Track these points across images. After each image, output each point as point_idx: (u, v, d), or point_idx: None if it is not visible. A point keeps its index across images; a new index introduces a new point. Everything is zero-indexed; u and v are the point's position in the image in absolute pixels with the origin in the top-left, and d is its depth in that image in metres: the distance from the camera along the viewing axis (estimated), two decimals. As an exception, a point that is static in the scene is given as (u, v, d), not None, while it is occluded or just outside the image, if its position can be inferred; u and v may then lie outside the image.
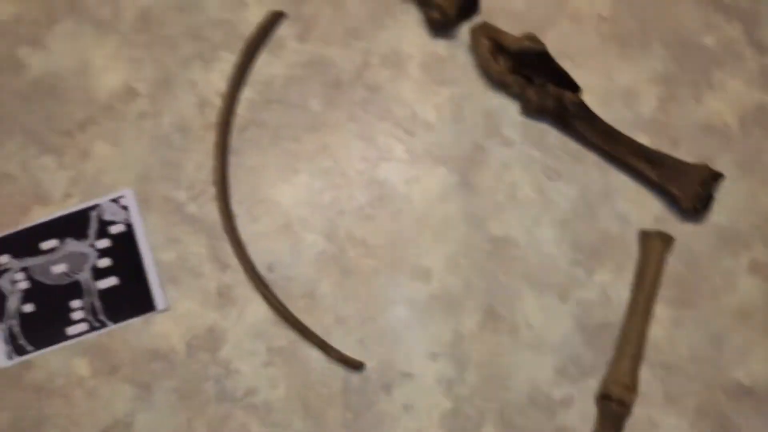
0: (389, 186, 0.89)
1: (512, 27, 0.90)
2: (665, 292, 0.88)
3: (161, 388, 0.87)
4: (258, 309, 0.88)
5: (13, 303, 0.89)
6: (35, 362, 0.88)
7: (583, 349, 0.87)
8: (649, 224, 0.89)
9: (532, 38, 0.79)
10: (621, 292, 0.87)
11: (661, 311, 0.87)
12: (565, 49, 0.91)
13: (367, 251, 0.89)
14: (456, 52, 0.90)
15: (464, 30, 0.90)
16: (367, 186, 0.90)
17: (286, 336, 0.88)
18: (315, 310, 0.88)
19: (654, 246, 0.85)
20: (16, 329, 0.88)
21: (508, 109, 0.89)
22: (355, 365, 0.86)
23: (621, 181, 0.88)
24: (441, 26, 0.86)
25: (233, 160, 0.91)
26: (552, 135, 0.89)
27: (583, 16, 0.90)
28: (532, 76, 0.85)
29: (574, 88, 0.84)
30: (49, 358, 0.88)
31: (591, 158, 0.88)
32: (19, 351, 0.88)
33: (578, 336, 0.87)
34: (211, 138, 0.91)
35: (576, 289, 0.87)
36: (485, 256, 0.88)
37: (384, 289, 0.88)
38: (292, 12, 0.92)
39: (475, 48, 0.85)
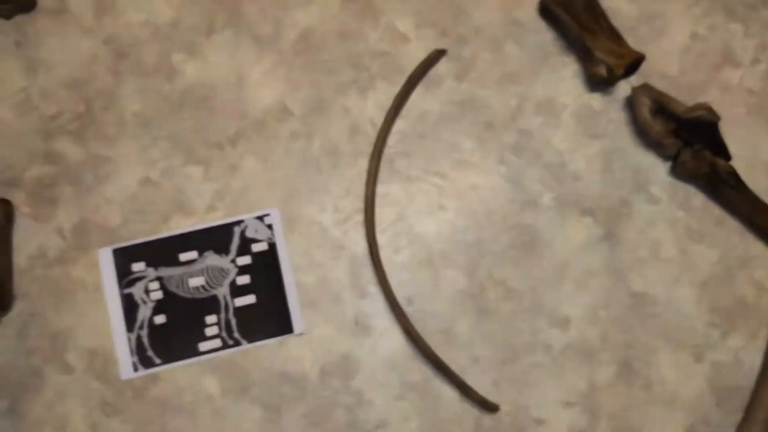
0: (534, 231, 0.90)
1: (665, 89, 0.93)
2: (793, 361, 0.90)
3: (291, 412, 0.85)
4: (394, 341, 0.88)
5: (144, 312, 0.86)
6: (162, 376, 0.86)
7: (714, 410, 0.88)
8: (779, 293, 0.92)
9: (707, 109, 0.82)
10: (754, 357, 0.89)
11: (788, 380, 0.89)
12: (706, 116, 0.95)
13: (506, 293, 0.89)
14: (610, 107, 0.93)
15: (620, 86, 0.93)
16: (512, 229, 0.90)
17: (420, 371, 0.87)
18: (450, 347, 0.88)
19: (791, 315, 0.87)
20: (145, 340, 0.86)
21: (657, 168, 0.92)
22: (491, 407, 0.85)
23: (760, 250, 0.91)
24: (602, 83, 0.88)
25: (380, 189, 0.91)
26: (698, 198, 0.91)
27: (733, 88, 0.94)
28: (691, 140, 0.87)
29: (727, 156, 0.87)
30: (177, 372, 0.86)
31: (733, 224, 0.91)
32: (146, 363, 0.85)
33: (710, 397, 0.88)
34: (360, 165, 0.91)
35: (710, 351, 0.89)
36: (624, 310, 0.89)
37: (521, 333, 0.88)
38: (453, 51, 0.94)
39: (636, 107, 0.88)
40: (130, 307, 0.86)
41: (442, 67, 0.94)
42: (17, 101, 0.91)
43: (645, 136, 0.91)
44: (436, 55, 0.92)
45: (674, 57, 0.95)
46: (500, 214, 0.91)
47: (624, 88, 0.93)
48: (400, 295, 0.89)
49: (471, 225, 0.91)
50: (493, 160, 0.92)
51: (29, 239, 0.88)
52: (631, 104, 0.92)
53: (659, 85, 0.93)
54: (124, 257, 0.87)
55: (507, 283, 0.89)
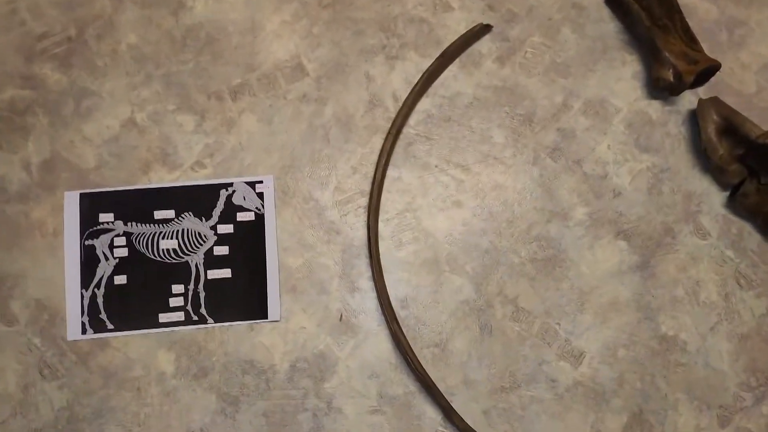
0: (559, 248, 0.78)
1: (738, 108, 0.80)
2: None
3: (250, 407, 0.75)
4: (379, 346, 0.77)
5: (104, 270, 0.76)
6: (112, 343, 0.76)
7: (734, 487, 0.75)
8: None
9: (789, 133, 0.70)
10: (789, 432, 0.76)
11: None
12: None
13: (516, 313, 0.77)
14: (669, 119, 0.80)
15: (685, 97, 0.80)
16: (534, 241, 0.79)
17: (403, 384, 0.76)
18: (442, 363, 0.77)
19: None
20: (100, 301, 0.76)
21: (713, 196, 0.79)
22: (477, 440, 0.74)
23: (818, 309, 0.78)
24: (667, 89, 0.76)
25: (391, 173, 0.80)
26: (753, 239, 0.78)
27: (818, 118, 0.81)
28: (759, 170, 0.74)
29: (799, 195, 0.75)
30: (130, 342, 0.76)
31: (791, 275, 0.78)
32: (98, 327, 0.75)
33: (731, 469, 0.76)
34: (373, 143, 0.80)
35: (739, 416, 0.76)
36: (649, 353, 0.77)
37: (526, 361, 0.76)
38: (499, 29, 0.82)
39: (702, 123, 0.75)
40: (89, 261, 0.76)
41: (484, 45, 0.82)
42: (2, 13, 0.81)
43: (705, 158, 0.78)
44: (481, 30, 0.80)
45: (753, 72, 0.82)
46: (524, 222, 0.79)
47: (690, 99, 0.81)
48: (394, 296, 0.77)
49: (488, 229, 0.79)
50: (525, 159, 0.80)
51: (-7, 168, 0.78)
52: (695, 119, 0.79)
53: (731, 102, 0.80)
54: (91, 205, 0.77)
55: (518, 302, 0.78)
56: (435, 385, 0.75)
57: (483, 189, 0.80)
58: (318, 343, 0.77)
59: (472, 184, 0.80)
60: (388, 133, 0.78)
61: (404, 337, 0.75)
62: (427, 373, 0.75)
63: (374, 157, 0.80)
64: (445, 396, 0.75)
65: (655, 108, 0.81)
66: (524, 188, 0.80)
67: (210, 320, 0.76)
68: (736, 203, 0.77)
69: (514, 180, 0.80)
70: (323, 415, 0.75)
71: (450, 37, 0.81)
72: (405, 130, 0.81)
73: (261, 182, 0.78)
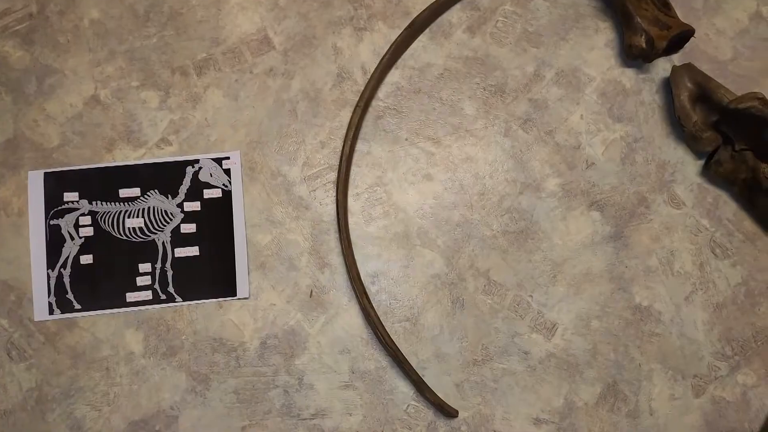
0: (531, 219, 0.77)
1: (712, 75, 0.78)
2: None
3: (220, 385, 0.74)
4: (350, 321, 0.76)
5: (69, 249, 0.75)
6: (80, 323, 0.75)
7: (708, 456, 0.75)
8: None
9: (761, 100, 0.68)
10: (764, 399, 0.76)
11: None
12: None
13: (488, 286, 0.76)
14: (643, 87, 0.79)
15: (659, 65, 0.79)
16: (506, 213, 0.77)
17: (374, 360, 0.75)
18: (413, 338, 0.76)
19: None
20: (67, 281, 0.75)
21: (687, 165, 0.78)
22: (449, 412, 0.73)
23: (794, 277, 0.77)
24: (640, 56, 0.74)
25: (360, 147, 0.79)
26: (729, 207, 0.77)
27: (793, 83, 0.79)
28: (732, 137, 0.73)
29: (773, 162, 0.73)
30: (98, 322, 0.75)
31: (767, 243, 0.77)
32: (65, 307, 0.75)
33: (705, 439, 0.75)
34: (342, 116, 0.79)
35: (714, 385, 0.75)
36: (622, 324, 0.76)
37: (498, 334, 0.76)
38: (468, -2, 0.80)
39: (675, 90, 0.74)
40: (54, 241, 0.75)
41: (454, 14, 0.80)
42: (-39, -11, 0.79)
43: (679, 126, 0.77)
44: (450, 0, 0.79)
45: (729, 38, 0.80)
46: (495, 195, 0.78)
47: (664, 67, 0.79)
48: (364, 271, 0.77)
49: (459, 202, 0.78)
50: (496, 130, 0.79)
51: (-45, 148, 0.77)
52: (669, 87, 0.78)
53: (706, 69, 0.78)
54: (56, 184, 0.76)
55: (490, 275, 0.77)
56: (406, 359, 0.74)
57: (454, 162, 0.79)
58: (288, 319, 0.76)
59: (442, 156, 0.79)
60: (356, 106, 0.77)
61: (374, 311, 0.74)
62: (398, 348, 0.74)
63: (343, 132, 0.78)
64: (417, 370, 0.75)
65: (628, 76, 0.79)
66: (496, 160, 0.79)
67: (178, 298, 0.75)
68: (710, 171, 0.76)
69: (485, 152, 0.79)
70: (294, 392, 0.75)
71: (419, 7, 0.80)
72: (374, 103, 0.79)
73: (228, 158, 0.77)
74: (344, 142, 0.77)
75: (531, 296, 0.76)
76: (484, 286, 0.77)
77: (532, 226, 0.77)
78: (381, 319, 0.75)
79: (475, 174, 0.78)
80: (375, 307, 0.76)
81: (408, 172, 0.78)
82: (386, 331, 0.74)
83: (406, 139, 0.79)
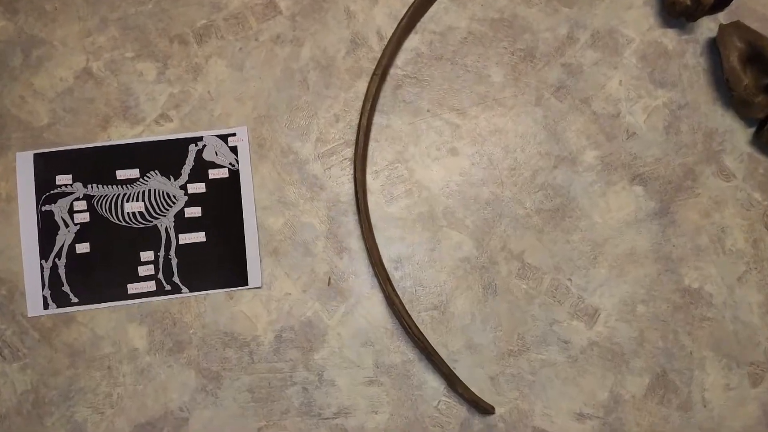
0: (568, 195, 0.71)
1: (763, 33, 0.71)
2: None
3: (233, 383, 0.68)
4: (373, 311, 0.69)
5: (64, 238, 0.69)
6: (78, 318, 0.69)
7: (766, 450, 0.69)
8: None
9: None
10: (827, 389, 0.69)
11: None
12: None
13: (523, 270, 0.70)
14: (687, 49, 0.72)
15: (704, 24, 0.72)
16: (540, 190, 0.71)
17: (401, 352, 0.69)
18: (443, 328, 0.70)
19: None
20: (62, 272, 0.68)
21: (737, 134, 0.71)
22: (484, 408, 0.67)
23: None
24: (684, 14, 0.67)
25: (378, 120, 0.72)
26: (784, 178, 0.71)
27: None
28: (790, 100, 0.67)
29: (835, 128, 0.67)
30: (98, 316, 0.69)
31: (825, 217, 0.71)
32: (61, 300, 0.68)
33: (763, 429, 0.69)
34: (357, 86, 0.72)
35: (771, 374, 0.69)
36: (671, 309, 0.70)
37: (535, 322, 0.69)
38: (494, -47, 0.73)
39: (723, 51, 0.67)
40: (47, 229, 0.69)
41: (477, -28, 0.74)
42: (-64, -46, 0.72)
43: (727, 91, 0.70)
44: (472, -45, 0.72)
45: (781, -8, 0.74)
46: (527, 170, 0.71)
47: (709, 26, 0.72)
48: (386, 256, 0.70)
49: (488, 178, 0.71)
50: (527, 100, 0.72)
51: (-65, 130, 0.71)
52: (715, 48, 0.71)
53: (756, 27, 0.72)
54: (47, 166, 0.69)
55: (525, 257, 0.70)
56: (435, 351, 0.68)
57: (481, 134, 0.72)
58: (305, 310, 0.69)
59: (468, 129, 0.72)
60: (373, 74, 0.70)
61: (399, 300, 0.68)
62: (426, 339, 0.68)
63: (359, 103, 0.72)
64: (447, 363, 0.69)
65: (670, 37, 0.73)
66: (527, 132, 0.72)
67: (184, 289, 0.69)
68: (762, 140, 0.69)
69: (515, 123, 0.72)
70: (314, 389, 0.68)
71: (440, -34, 0.73)
72: (392, 71, 0.72)
73: (234, 135, 0.71)
74: (361, 114, 0.70)
75: (570, 280, 0.70)
76: (518, 269, 0.70)
77: (569, 203, 0.71)
78: (406, 307, 0.69)
79: (505, 147, 0.72)
80: (399, 295, 0.69)
81: (431, 147, 0.72)
82: (413, 321, 0.68)
83: (428, 111, 0.72)
